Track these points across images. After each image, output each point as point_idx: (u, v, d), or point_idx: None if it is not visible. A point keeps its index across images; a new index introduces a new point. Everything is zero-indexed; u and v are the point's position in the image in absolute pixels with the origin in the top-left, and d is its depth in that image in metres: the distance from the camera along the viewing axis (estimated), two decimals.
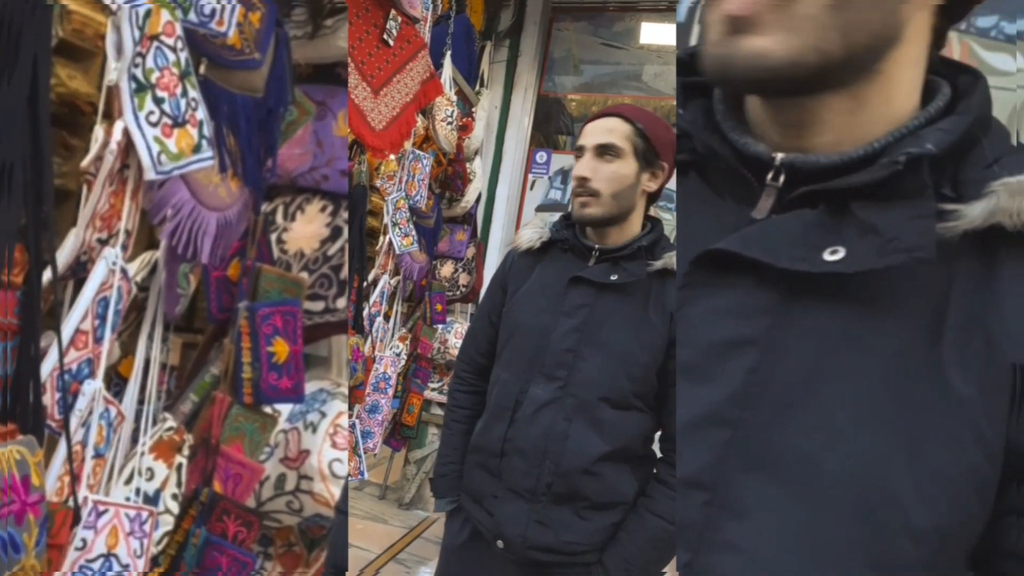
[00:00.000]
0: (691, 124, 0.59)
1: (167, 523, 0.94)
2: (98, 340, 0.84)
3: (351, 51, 1.82)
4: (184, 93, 0.85)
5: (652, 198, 1.20)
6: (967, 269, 0.48)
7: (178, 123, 0.84)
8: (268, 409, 1.05)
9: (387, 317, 2.47)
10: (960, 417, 0.45)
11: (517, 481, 1.13)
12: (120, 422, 0.91)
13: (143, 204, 0.87)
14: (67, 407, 0.78)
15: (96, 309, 0.83)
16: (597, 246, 1.17)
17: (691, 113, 0.60)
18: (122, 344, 0.97)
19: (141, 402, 0.97)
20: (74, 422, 0.80)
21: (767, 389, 0.50)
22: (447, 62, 2.83)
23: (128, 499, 0.90)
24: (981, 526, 0.46)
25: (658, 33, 3.52)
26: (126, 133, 0.79)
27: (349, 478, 2.10)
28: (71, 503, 0.80)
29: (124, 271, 0.86)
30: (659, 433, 1.20)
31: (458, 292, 3.17)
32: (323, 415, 1.09)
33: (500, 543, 1.15)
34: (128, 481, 0.91)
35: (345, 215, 1.15)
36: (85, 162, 0.81)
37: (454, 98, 2.75)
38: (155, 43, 0.80)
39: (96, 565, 0.83)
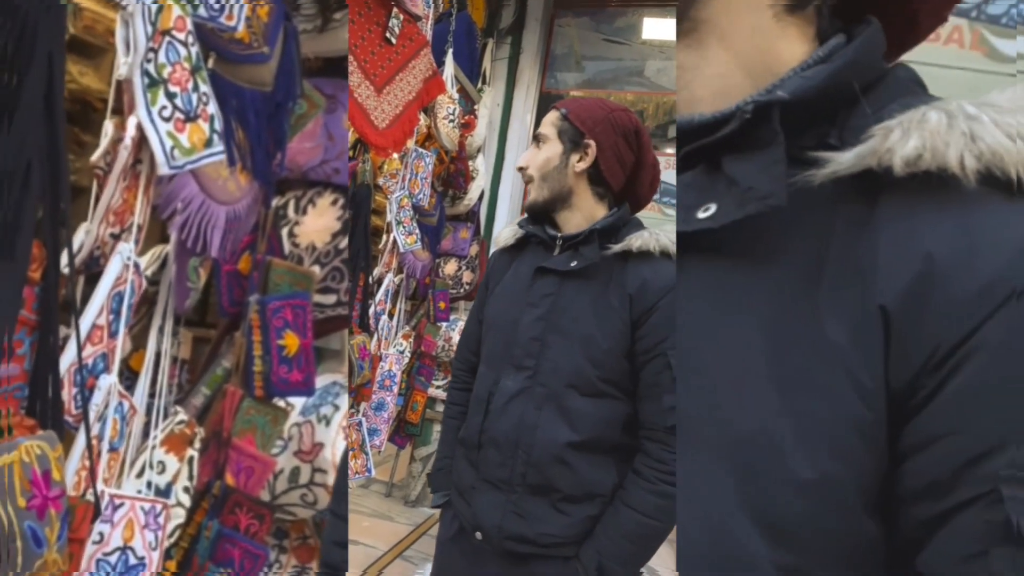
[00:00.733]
0: None
1: (179, 516, 0.95)
2: (113, 335, 0.84)
3: (354, 50, 1.82)
4: (196, 88, 0.85)
5: (594, 178, 1.19)
6: (847, 215, 0.47)
7: (190, 118, 0.84)
8: (280, 402, 1.05)
9: (391, 315, 2.48)
10: (834, 365, 0.44)
11: (492, 472, 1.13)
12: (132, 416, 0.92)
13: (153, 199, 0.88)
14: (85, 401, 0.78)
15: (111, 304, 0.83)
16: (560, 235, 1.19)
17: None
18: (133, 338, 0.98)
19: (152, 395, 0.97)
20: (91, 416, 0.80)
21: None
22: (449, 60, 2.83)
23: (140, 492, 0.90)
24: (873, 475, 0.44)
25: (660, 28, 3.51)
26: (139, 128, 0.79)
27: (356, 476, 2.11)
28: (89, 497, 0.80)
29: (137, 266, 0.87)
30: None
31: (461, 290, 3.17)
32: (336, 408, 1.10)
33: (478, 534, 1.14)
34: (140, 474, 0.92)
35: None
36: (95, 156, 0.81)
37: (456, 96, 2.75)
38: (167, 38, 0.81)
39: (113, 559, 0.84)
